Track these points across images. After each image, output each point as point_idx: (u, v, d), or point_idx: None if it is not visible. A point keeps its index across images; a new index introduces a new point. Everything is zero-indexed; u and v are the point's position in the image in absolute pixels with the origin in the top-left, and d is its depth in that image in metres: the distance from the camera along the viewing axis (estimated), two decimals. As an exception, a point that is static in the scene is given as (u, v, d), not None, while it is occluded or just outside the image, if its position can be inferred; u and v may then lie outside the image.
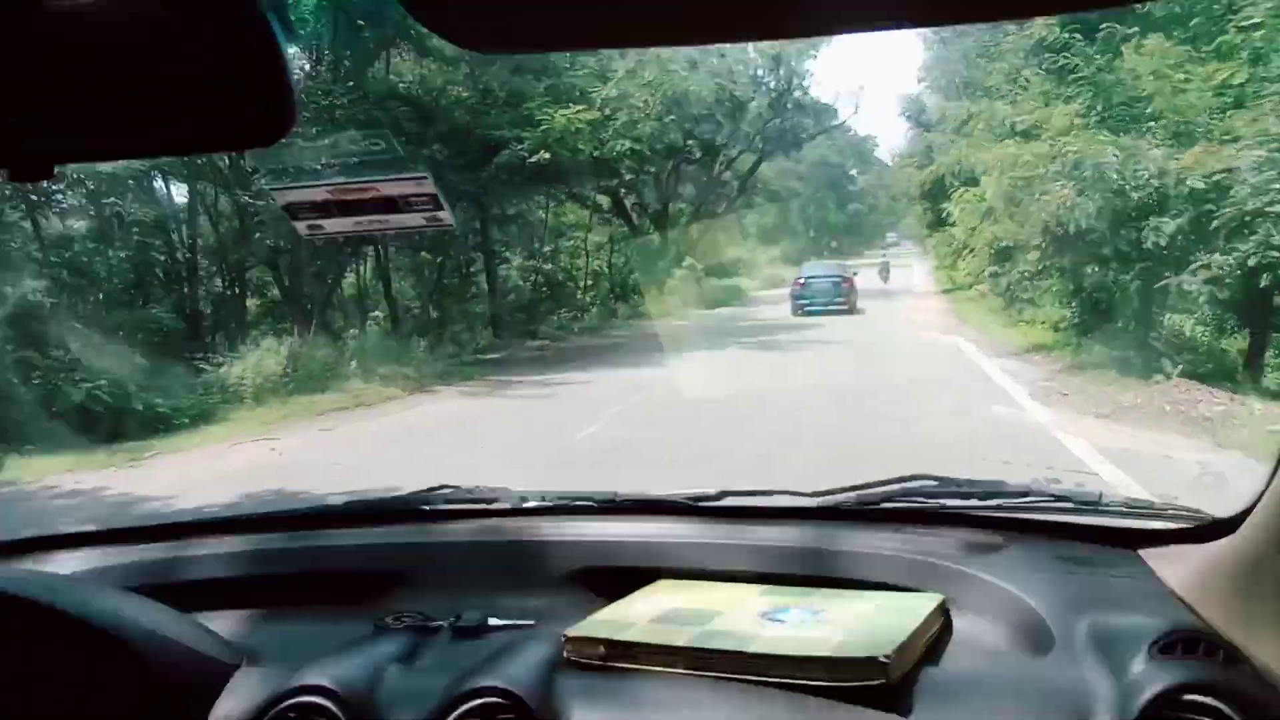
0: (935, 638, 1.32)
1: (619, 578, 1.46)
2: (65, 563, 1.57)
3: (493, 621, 1.41)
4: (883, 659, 1.16)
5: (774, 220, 33.34)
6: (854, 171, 44.75)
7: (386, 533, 1.64)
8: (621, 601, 1.41)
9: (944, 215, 20.67)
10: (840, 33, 0.53)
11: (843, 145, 42.46)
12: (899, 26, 0.54)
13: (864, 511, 1.57)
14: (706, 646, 1.25)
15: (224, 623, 1.39)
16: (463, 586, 1.47)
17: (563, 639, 1.30)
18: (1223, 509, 1.30)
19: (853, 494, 1.61)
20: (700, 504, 1.61)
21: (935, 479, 1.64)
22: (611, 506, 1.65)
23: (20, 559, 1.59)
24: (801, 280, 22.04)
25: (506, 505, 1.65)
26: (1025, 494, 1.54)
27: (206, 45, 0.66)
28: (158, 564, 1.58)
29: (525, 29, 0.59)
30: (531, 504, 1.66)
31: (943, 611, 1.36)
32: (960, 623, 1.35)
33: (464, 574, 1.51)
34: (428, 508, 1.68)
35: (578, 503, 1.66)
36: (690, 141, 23.31)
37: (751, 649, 1.23)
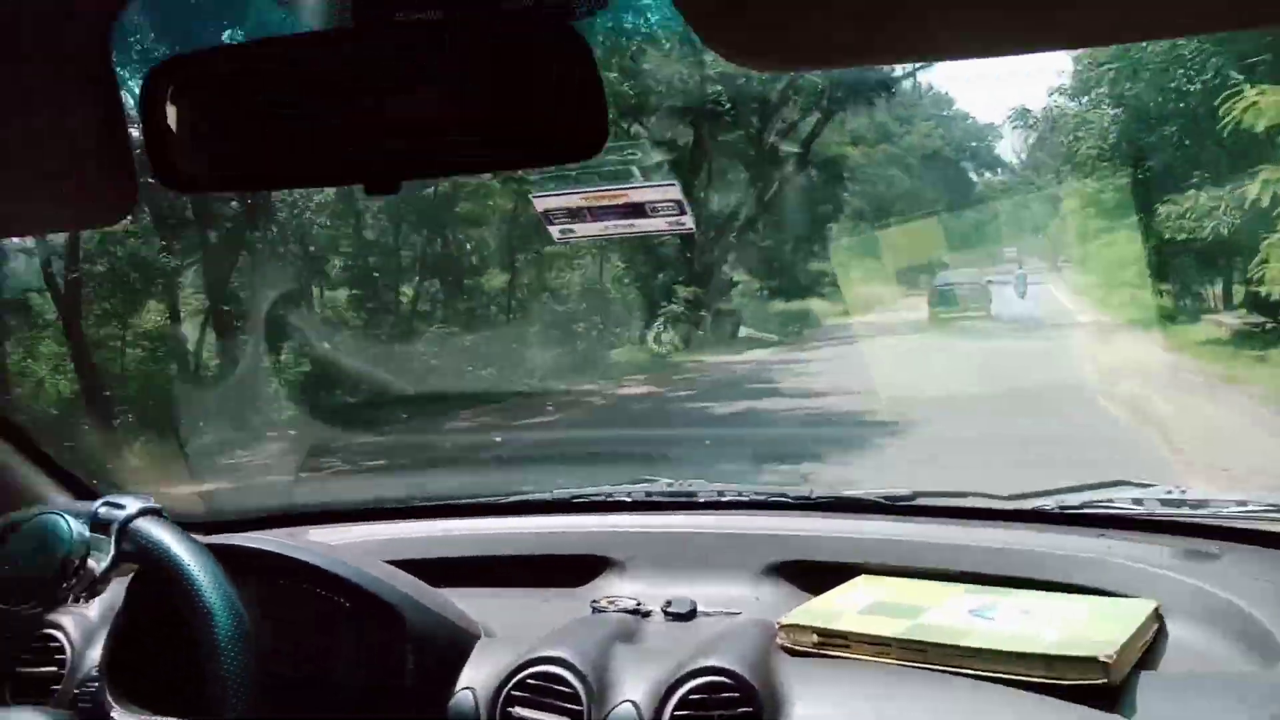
0: (1150, 643, 1.30)
1: (818, 572, 1.51)
2: (329, 536, 1.72)
3: (702, 609, 1.48)
4: (1103, 659, 1.16)
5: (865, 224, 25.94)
6: (972, 173, 35.47)
7: (595, 521, 1.74)
8: (828, 594, 1.45)
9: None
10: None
11: (958, 136, 34.61)
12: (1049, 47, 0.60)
13: (1065, 515, 1.55)
14: (919, 638, 1.27)
15: (462, 599, 1.50)
16: (668, 574, 1.56)
17: (776, 626, 1.35)
18: None
19: (1050, 498, 1.59)
20: (896, 503, 1.62)
21: (1138, 485, 1.60)
22: (807, 503, 1.69)
23: (291, 530, 1.75)
24: (938, 285, 20.54)
25: (705, 499, 1.73)
26: (1243, 503, 1.48)
27: (535, 66, 0.71)
28: (404, 541, 1.74)
29: (808, 47, 0.63)
30: (729, 498, 1.72)
31: (1157, 617, 1.33)
32: (1176, 629, 1.33)
33: (668, 563, 1.59)
34: (629, 499, 1.78)
35: (774, 498, 1.72)
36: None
37: (965, 643, 1.24)
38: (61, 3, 0.65)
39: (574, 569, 1.64)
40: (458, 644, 1.37)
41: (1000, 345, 15.15)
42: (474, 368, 13.71)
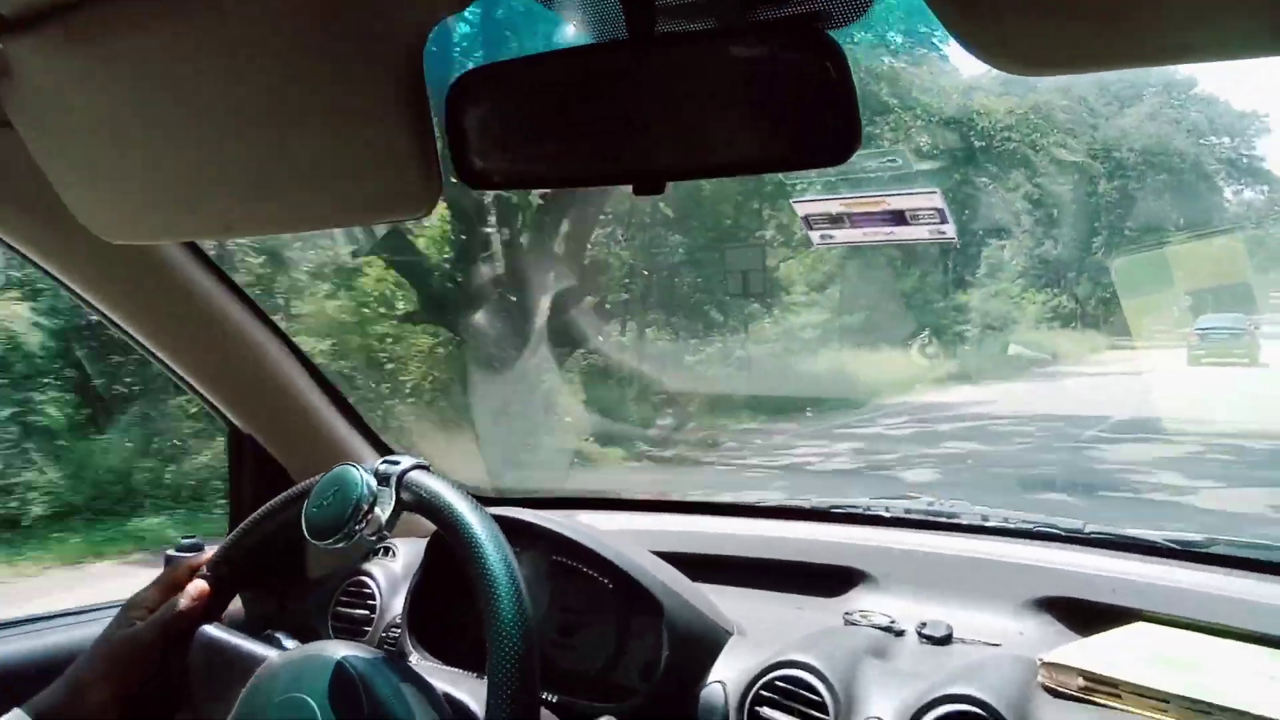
0: None
1: (1090, 612, 1.40)
2: (598, 521, 1.75)
3: (958, 635, 1.41)
4: None
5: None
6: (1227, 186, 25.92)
7: (853, 533, 1.69)
8: (1100, 636, 1.35)
9: None
10: None
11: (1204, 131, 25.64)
12: None
13: None
14: (1203, 698, 1.16)
15: (717, 595, 1.49)
16: (925, 595, 1.50)
17: (1038, 663, 1.26)
18: None
19: None
20: (1188, 549, 1.48)
21: None
22: (1080, 537, 1.56)
23: (564, 512, 1.77)
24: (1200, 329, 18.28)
25: (967, 522, 1.65)
26: None
27: (790, 74, 0.74)
28: (667, 534, 1.74)
29: (1057, 49, 0.63)
30: (993, 524, 1.64)
31: None
32: None
33: (927, 583, 1.52)
34: (888, 514, 1.71)
35: (1042, 528, 1.61)
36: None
37: (1257, 711, 1.11)
38: (383, 16, 0.74)
39: (830, 579, 1.61)
40: (711, 638, 1.38)
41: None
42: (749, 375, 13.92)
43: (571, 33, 0.85)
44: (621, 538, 1.54)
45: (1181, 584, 1.36)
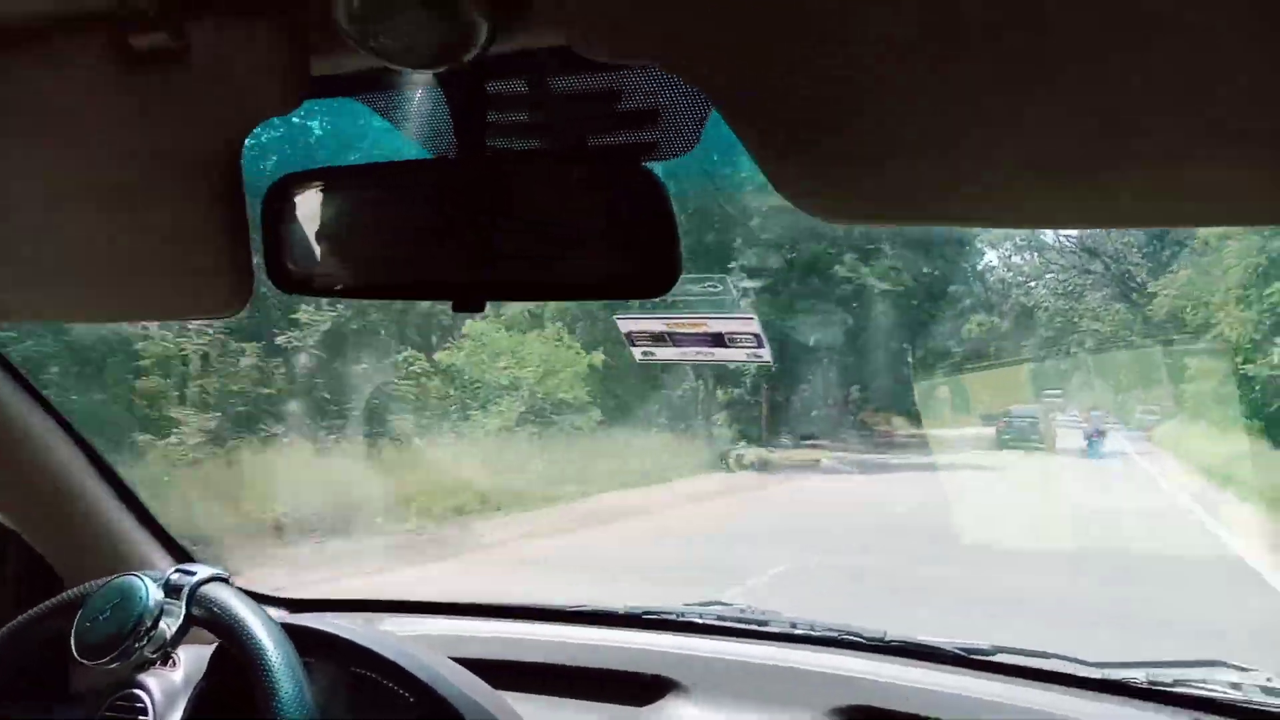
0: None
1: None
2: (403, 626, 1.73)
3: None
4: None
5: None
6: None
7: (663, 640, 1.69)
8: None
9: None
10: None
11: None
12: None
13: (1154, 692, 1.47)
14: None
15: (522, 704, 1.47)
16: (733, 704, 1.52)
17: None
18: None
19: (1140, 670, 1.51)
20: (974, 656, 1.56)
21: (1237, 668, 1.51)
22: (881, 645, 1.63)
23: (367, 616, 1.75)
24: (1009, 416, 20.53)
25: (777, 630, 1.69)
26: None
27: (613, 204, 0.75)
28: (471, 639, 1.71)
29: (875, 203, 0.66)
30: (801, 631, 1.69)
31: None
32: None
33: (735, 692, 1.54)
34: (700, 620, 1.73)
35: (847, 636, 1.67)
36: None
37: None
38: (205, 111, 0.72)
39: (639, 687, 1.60)
40: None
41: (1074, 493, 14.78)
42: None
43: (402, 144, 0.85)
44: (423, 645, 1.51)
45: (971, 692, 1.45)
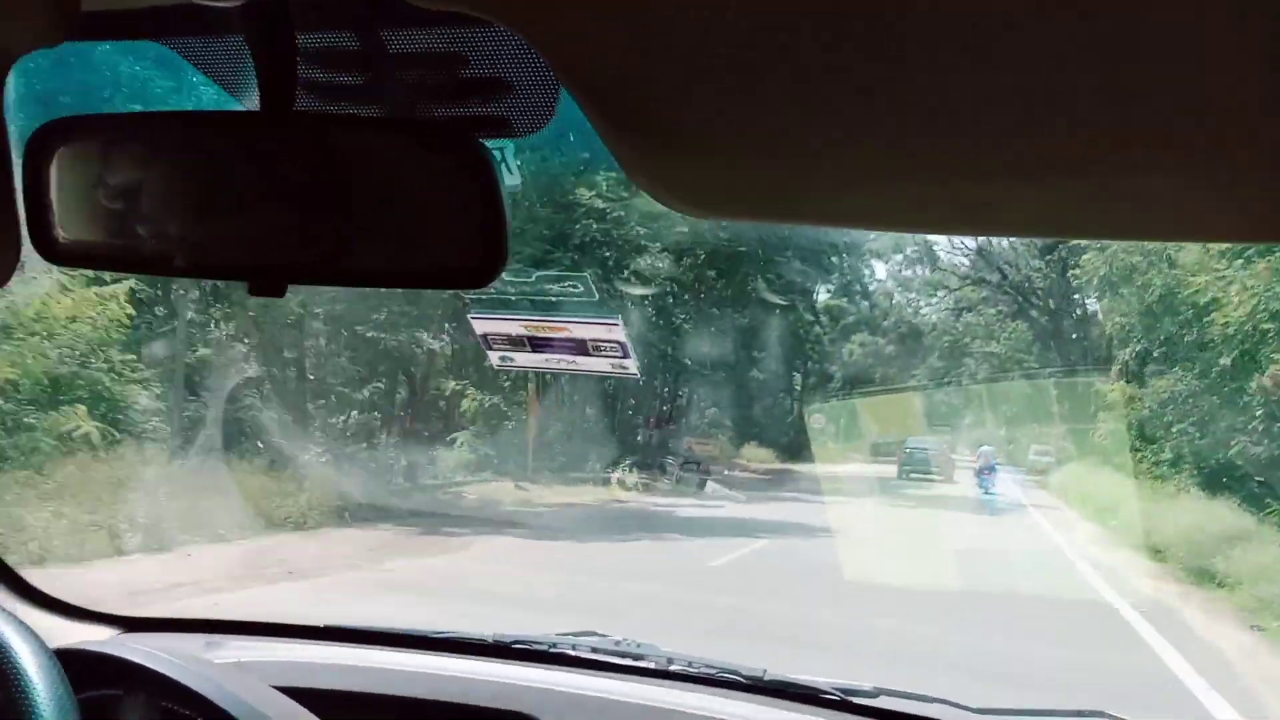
0: None
1: None
2: (248, 650, 1.63)
3: None
4: None
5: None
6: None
7: (529, 674, 1.62)
8: None
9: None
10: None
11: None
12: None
13: None
14: None
15: None
16: None
17: None
18: None
19: (1023, 718, 1.51)
20: (852, 698, 1.53)
21: (1115, 718, 1.52)
22: (759, 685, 1.59)
23: (209, 639, 1.65)
24: (909, 447, 21.31)
25: (652, 665, 1.62)
26: None
27: (435, 183, 0.67)
28: (299, 666, 1.61)
29: (739, 200, 0.65)
30: (677, 668, 1.63)
31: None
32: None
33: None
34: (573, 653, 1.66)
35: (724, 674, 1.61)
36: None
37: None
38: None
39: None
40: None
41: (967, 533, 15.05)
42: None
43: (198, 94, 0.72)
44: (257, 674, 1.42)
45: None
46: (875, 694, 1.50)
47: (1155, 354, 13.24)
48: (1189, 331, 12.21)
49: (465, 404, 14.44)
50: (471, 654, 1.67)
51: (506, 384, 14.87)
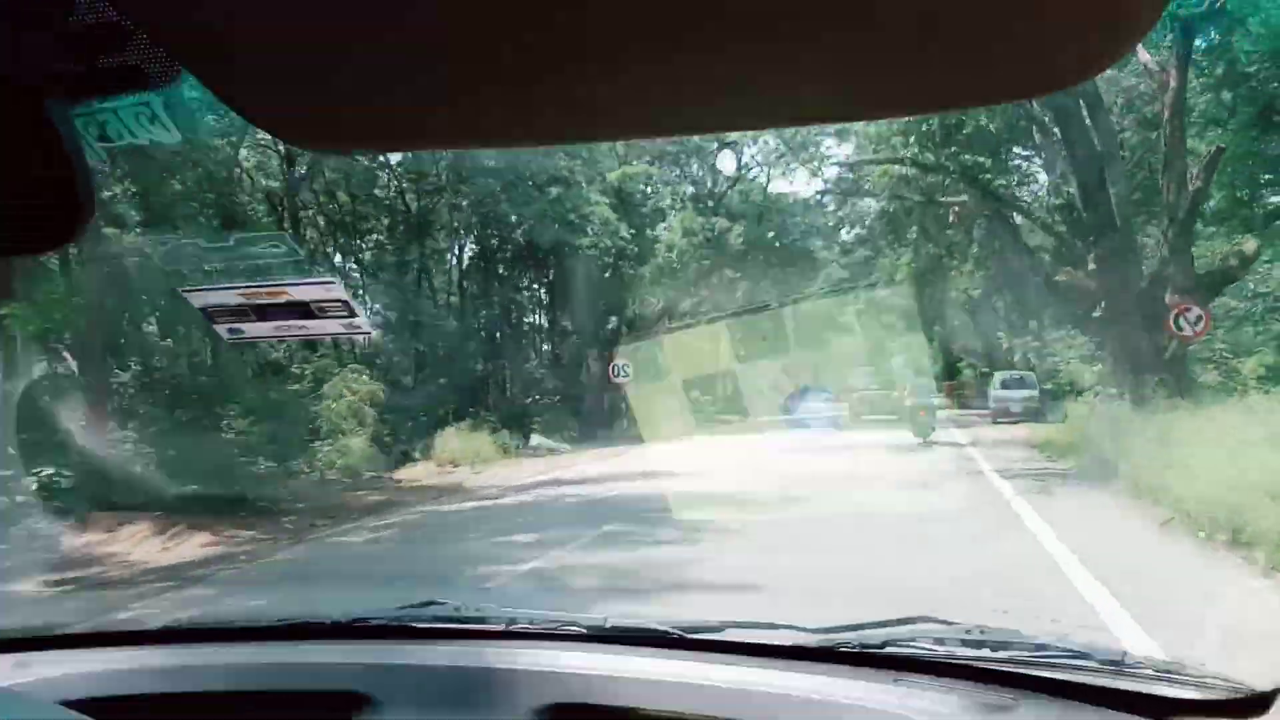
0: None
1: (593, 716, 1.41)
2: (57, 664, 1.54)
3: None
4: None
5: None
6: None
7: (362, 650, 1.59)
8: None
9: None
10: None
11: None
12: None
13: (864, 655, 1.49)
14: None
15: None
16: (428, 713, 1.44)
17: None
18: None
19: (854, 634, 1.51)
20: (695, 635, 1.55)
21: (941, 622, 1.56)
22: (601, 634, 1.59)
23: (19, 657, 1.55)
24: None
25: (493, 627, 1.62)
26: (1042, 648, 1.44)
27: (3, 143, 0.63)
28: (109, 675, 1.52)
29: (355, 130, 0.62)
30: (518, 627, 1.61)
31: None
32: None
33: (434, 702, 1.46)
34: (414, 624, 1.64)
35: (565, 628, 1.61)
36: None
37: None
38: None
39: (324, 707, 1.45)
40: None
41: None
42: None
43: None
44: (35, 692, 1.35)
45: (680, 676, 1.43)
46: (720, 628, 1.54)
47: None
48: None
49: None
50: (308, 638, 1.63)
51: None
